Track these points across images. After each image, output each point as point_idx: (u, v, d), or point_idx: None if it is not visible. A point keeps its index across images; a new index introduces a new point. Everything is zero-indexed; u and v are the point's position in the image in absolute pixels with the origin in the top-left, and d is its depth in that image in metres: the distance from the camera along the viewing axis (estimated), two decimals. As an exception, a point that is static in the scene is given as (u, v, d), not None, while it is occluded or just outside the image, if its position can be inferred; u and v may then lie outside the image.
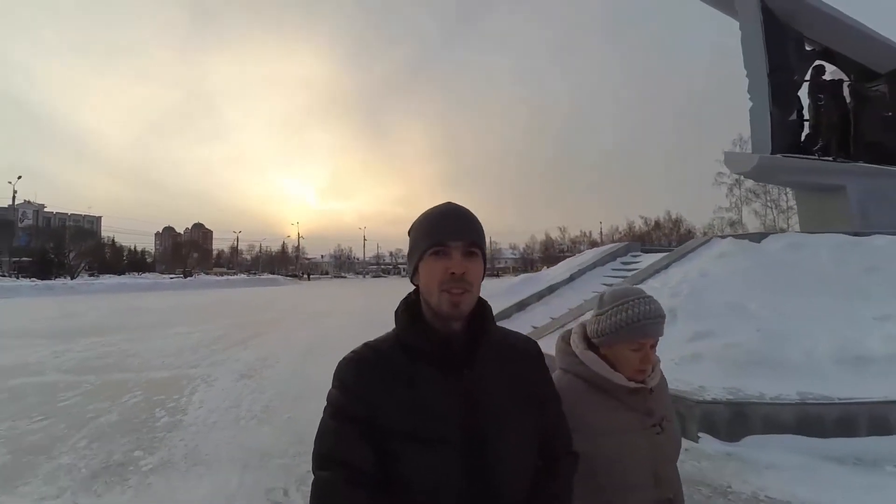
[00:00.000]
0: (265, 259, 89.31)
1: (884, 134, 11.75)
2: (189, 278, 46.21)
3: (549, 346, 1.19)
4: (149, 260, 74.28)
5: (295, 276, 69.17)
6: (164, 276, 53.57)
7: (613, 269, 8.95)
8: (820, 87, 11.46)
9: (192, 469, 3.33)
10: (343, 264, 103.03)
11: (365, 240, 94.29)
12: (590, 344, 1.13)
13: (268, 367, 6.79)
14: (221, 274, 60.97)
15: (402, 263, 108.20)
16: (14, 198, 47.15)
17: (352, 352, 0.82)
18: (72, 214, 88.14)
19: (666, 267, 7.32)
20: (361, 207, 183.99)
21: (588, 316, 1.18)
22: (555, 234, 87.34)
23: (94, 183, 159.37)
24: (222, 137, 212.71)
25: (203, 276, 48.25)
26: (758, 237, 7.57)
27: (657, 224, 72.84)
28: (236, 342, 9.08)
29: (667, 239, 57.95)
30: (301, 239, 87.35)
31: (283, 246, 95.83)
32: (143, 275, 52.88)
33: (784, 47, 10.80)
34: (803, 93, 11.39)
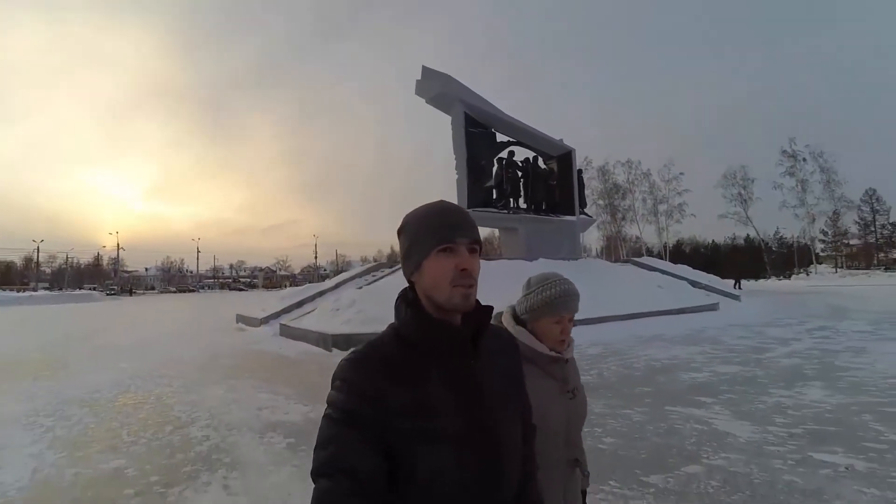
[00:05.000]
0: (72, 273, 77.50)
1: (546, 196, 19.47)
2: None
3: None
4: None
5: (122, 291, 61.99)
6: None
7: (365, 281, 14.32)
8: (509, 165, 18.76)
9: (87, 369, 7.20)
10: (173, 278, 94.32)
11: (199, 251, 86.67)
12: (518, 321, 1.31)
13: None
14: (23, 290, 52.40)
15: (243, 277, 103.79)
16: None
17: (351, 351, 0.82)
18: None
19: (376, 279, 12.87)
20: (198, 214, 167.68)
21: (516, 299, 1.36)
22: (397, 248, 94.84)
23: None
24: (11, 119, 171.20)
25: (-1, 293, 41.65)
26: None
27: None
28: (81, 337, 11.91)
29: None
30: (121, 250, 78.01)
31: (98, 257, 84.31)
32: None
33: (480, 139, 17.56)
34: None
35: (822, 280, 35.81)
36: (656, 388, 5.54)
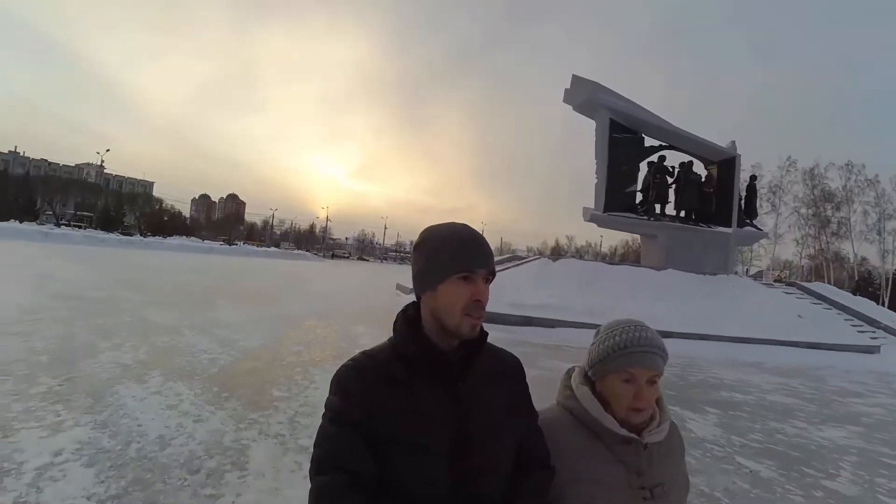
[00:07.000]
0: (293, 236, 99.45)
1: (700, 204, 18.37)
2: (234, 246, 55.88)
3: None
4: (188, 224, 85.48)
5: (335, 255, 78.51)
6: (207, 241, 62.50)
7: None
8: (658, 170, 18.25)
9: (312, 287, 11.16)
10: (365, 248, 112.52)
11: (385, 228, 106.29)
12: (587, 380, 1.04)
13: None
14: (259, 245, 70.92)
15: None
16: (102, 166, 58.13)
17: (350, 360, 0.87)
18: (128, 178, 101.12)
19: (505, 268, 14.89)
20: (390, 192, 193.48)
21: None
22: (563, 242, 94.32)
23: (140, 142, 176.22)
24: (261, 110, 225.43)
25: (245, 246, 58.20)
26: (555, 258, 14.98)
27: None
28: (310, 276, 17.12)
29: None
30: (328, 221, 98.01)
31: (312, 226, 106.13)
32: (192, 238, 62.51)
33: (625, 144, 17.51)
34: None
35: None
36: (681, 395, 6.03)
